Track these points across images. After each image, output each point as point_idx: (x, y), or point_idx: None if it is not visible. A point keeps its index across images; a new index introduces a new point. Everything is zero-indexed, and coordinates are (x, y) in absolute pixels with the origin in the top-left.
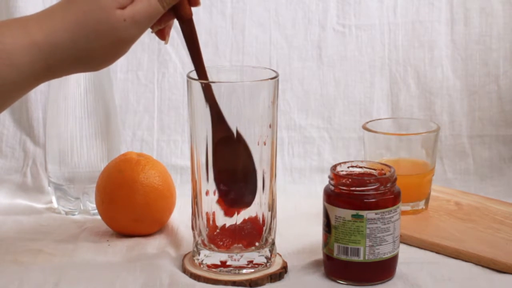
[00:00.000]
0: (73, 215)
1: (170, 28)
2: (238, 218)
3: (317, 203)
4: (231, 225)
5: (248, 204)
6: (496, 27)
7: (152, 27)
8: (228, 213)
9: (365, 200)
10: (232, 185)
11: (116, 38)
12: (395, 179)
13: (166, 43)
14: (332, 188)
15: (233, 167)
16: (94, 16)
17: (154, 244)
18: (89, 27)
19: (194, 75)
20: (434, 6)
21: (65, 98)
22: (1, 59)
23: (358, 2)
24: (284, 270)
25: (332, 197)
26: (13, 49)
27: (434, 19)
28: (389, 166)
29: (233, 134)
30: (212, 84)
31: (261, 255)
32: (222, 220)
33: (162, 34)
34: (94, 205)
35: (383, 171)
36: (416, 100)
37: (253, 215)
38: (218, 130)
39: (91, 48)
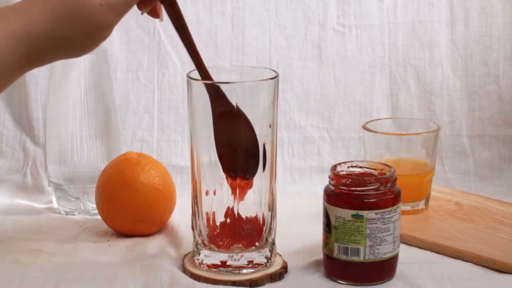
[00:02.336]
0: (73, 215)
1: (160, 6)
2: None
3: (317, 203)
4: (231, 222)
5: (251, 176)
6: (496, 27)
7: (140, 9)
8: (233, 188)
9: (365, 200)
10: (235, 158)
11: (93, 24)
12: (395, 179)
13: (161, 20)
14: (332, 188)
15: (236, 140)
16: (69, 3)
17: (154, 244)
18: (66, 15)
19: (194, 75)
20: (434, 6)
21: (65, 98)
22: None
23: (358, 2)
24: (284, 270)
25: (332, 197)
26: None
27: (434, 19)
28: (389, 166)
29: (233, 107)
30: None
31: (261, 255)
32: (222, 217)
33: (155, 13)
34: (94, 205)
35: (383, 171)
36: (416, 100)
37: (253, 215)
38: (218, 105)
39: (69, 35)
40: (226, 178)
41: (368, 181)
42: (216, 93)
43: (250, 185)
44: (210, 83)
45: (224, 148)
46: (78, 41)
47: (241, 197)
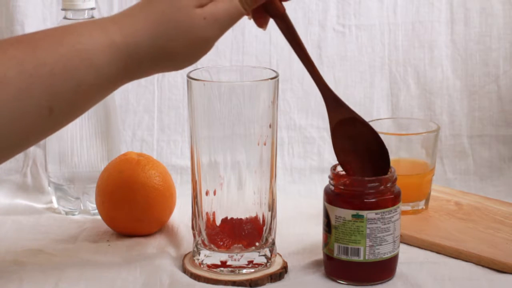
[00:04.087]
0: (73, 215)
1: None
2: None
3: (317, 203)
4: (231, 221)
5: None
6: (496, 27)
7: (249, 17)
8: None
9: (365, 200)
10: (358, 162)
11: (196, 37)
12: (395, 179)
13: (264, 30)
14: (332, 188)
15: (360, 145)
16: (173, 15)
17: (154, 244)
18: (169, 26)
19: (194, 75)
20: (434, 6)
21: None
22: (79, 59)
23: (358, 2)
24: (284, 270)
25: (332, 197)
26: (92, 49)
27: (434, 19)
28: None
29: (356, 115)
30: (212, 84)
31: (261, 255)
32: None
33: (261, 24)
34: (94, 205)
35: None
36: (416, 100)
37: (253, 215)
38: (337, 112)
39: (170, 48)
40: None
41: (368, 181)
42: (335, 101)
43: None
44: (326, 90)
45: (349, 155)
46: (179, 54)
47: None
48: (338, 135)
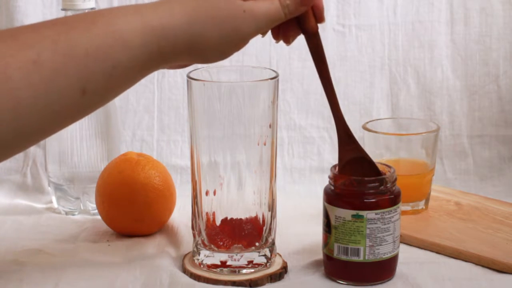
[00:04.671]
0: (73, 215)
1: (296, 34)
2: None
3: (317, 203)
4: (231, 221)
5: None
6: (496, 27)
7: (275, 38)
8: None
9: (365, 200)
10: None
11: (233, 29)
12: (395, 179)
13: (287, 45)
14: (332, 188)
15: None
16: (213, 2)
17: (154, 244)
18: (207, 13)
19: (194, 75)
20: (434, 6)
21: None
22: (114, 40)
23: (358, 2)
24: (284, 270)
25: (332, 197)
26: (126, 30)
27: (434, 19)
28: (389, 166)
29: (365, 154)
30: (212, 84)
31: (261, 255)
32: (221, 217)
33: (287, 39)
34: (94, 205)
35: (383, 171)
36: (416, 100)
37: (253, 215)
38: (348, 150)
39: (206, 35)
40: None
41: (368, 181)
42: (347, 137)
43: None
44: (341, 123)
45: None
46: (213, 43)
47: None
48: (346, 174)
